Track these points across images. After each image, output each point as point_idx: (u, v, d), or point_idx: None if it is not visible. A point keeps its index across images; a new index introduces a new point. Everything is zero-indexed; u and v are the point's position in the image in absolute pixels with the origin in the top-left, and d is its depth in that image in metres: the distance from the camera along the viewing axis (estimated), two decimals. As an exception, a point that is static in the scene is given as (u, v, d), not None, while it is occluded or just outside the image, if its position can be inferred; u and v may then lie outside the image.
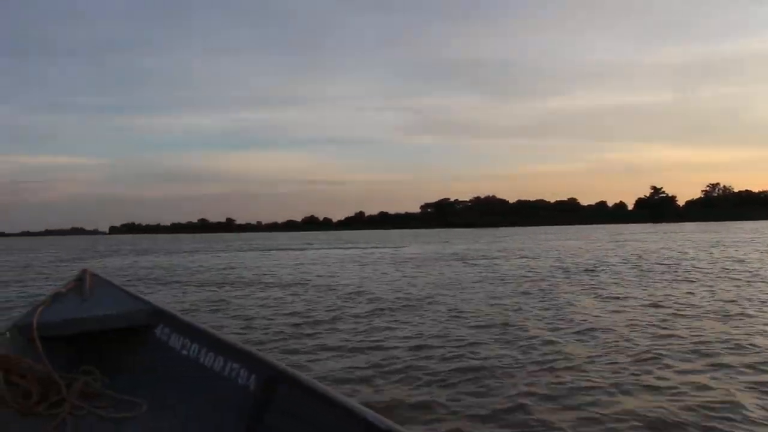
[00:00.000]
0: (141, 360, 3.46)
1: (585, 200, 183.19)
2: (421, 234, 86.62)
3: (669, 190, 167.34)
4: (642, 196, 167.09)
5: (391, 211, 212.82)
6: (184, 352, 3.28)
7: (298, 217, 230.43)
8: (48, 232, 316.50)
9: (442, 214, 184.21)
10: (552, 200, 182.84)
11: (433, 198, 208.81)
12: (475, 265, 20.12)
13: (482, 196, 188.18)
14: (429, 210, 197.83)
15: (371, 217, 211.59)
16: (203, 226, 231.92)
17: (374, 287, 13.43)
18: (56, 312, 3.52)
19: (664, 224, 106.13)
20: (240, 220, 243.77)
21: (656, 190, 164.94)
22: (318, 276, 17.01)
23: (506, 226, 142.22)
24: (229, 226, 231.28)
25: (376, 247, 38.60)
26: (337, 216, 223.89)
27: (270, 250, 38.51)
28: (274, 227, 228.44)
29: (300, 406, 2.49)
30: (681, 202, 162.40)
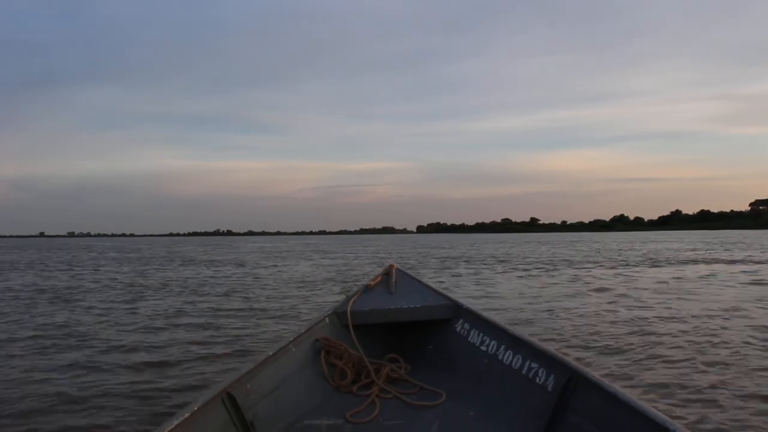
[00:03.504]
0: (441, 352, 3.71)
1: None
2: None
3: None
4: None
5: (713, 209, 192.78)
6: (483, 347, 3.38)
7: (606, 216, 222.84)
8: (362, 231, 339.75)
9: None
10: None
11: (766, 194, 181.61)
12: None
13: None
14: (761, 207, 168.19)
15: (689, 216, 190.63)
16: (506, 226, 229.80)
17: None
18: (366, 303, 3.91)
19: None
20: (544, 220, 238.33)
21: None
22: None
23: None
24: (532, 225, 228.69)
25: None
26: (649, 215, 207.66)
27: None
28: (579, 227, 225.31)
29: (600, 411, 2.38)
30: None
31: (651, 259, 25.20)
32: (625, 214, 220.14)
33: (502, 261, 25.43)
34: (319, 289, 13.56)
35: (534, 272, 18.46)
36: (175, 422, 2.20)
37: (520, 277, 16.78)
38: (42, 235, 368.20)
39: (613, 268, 20.17)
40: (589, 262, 23.80)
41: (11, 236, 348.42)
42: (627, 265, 21.63)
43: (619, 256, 28.66)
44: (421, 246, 53.98)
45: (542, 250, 38.71)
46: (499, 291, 12.96)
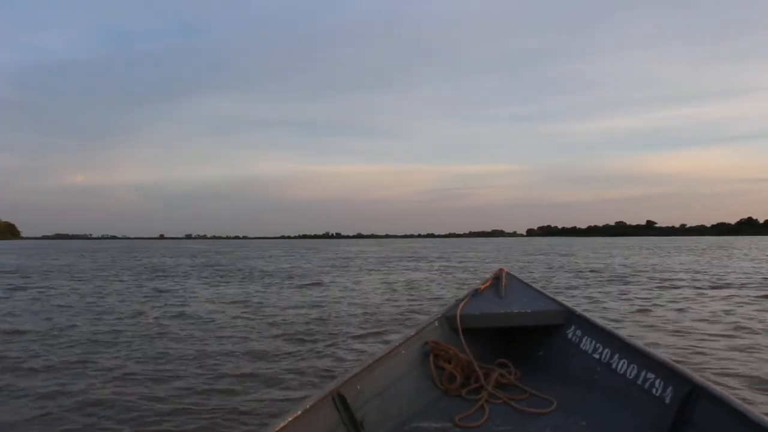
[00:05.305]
0: (551, 359, 3.54)
1: None
2: None
3: None
4: None
5: None
6: (596, 355, 3.21)
7: (731, 219, 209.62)
8: (471, 234, 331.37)
9: None
10: None
11: None
12: None
13: None
14: None
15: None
16: (620, 229, 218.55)
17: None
18: (475, 306, 3.77)
19: None
20: (661, 223, 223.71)
21: None
22: None
23: None
24: (648, 228, 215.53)
25: None
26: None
27: None
28: (701, 230, 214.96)
29: (724, 427, 2.20)
30: None
31: None
32: (753, 217, 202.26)
33: (661, 278, 16.68)
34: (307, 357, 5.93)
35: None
36: (288, 419, 2.24)
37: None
38: (162, 237, 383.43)
39: None
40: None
41: (135, 238, 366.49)
42: None
43: None
44: (535, 251, 45.01)
45: (699, 261, 29.12)
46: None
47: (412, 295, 12.80)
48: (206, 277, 19.17)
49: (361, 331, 7.92)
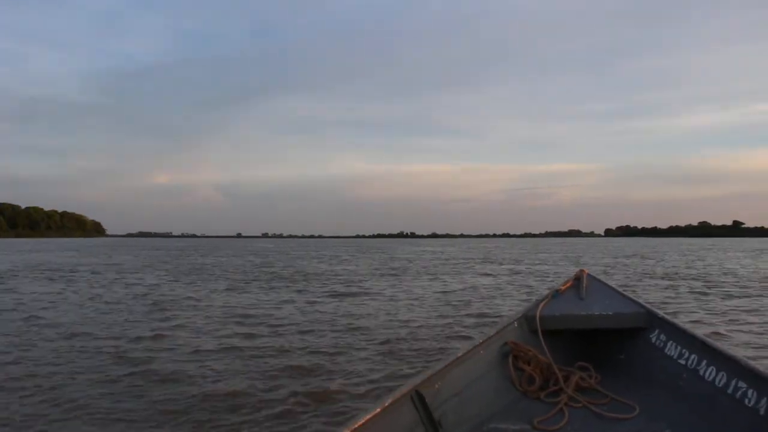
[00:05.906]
0: (634, 363, 3.36)
1: None
2: None
3: None
4: None
5: None
6: (681, 361, 3.03)
7: None
8: (547, 234, 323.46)
9: None
10: None
11: None
12: None
13: None
14: None
15: None
16: (704, 230, 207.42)
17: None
18: (555, 308, 3.56)
19: None
20: (749, 223, 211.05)
21: None
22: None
23: None
24: (735, 229, 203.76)
25: None
26: None
27: None
28: None
29: None
30: None
31: None
32: None
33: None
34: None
35: None
36: (367, 416, 2.23)
37: None
38: (239, 236, 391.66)
39: None
40: None
41: (214, 236, 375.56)
42: None
43: None
44: (617, 253, 41.14)
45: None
46: None
47: (462, 311, 10.18)
48: (237, 280, 17.21)
49: (368, 383, 5.42)
